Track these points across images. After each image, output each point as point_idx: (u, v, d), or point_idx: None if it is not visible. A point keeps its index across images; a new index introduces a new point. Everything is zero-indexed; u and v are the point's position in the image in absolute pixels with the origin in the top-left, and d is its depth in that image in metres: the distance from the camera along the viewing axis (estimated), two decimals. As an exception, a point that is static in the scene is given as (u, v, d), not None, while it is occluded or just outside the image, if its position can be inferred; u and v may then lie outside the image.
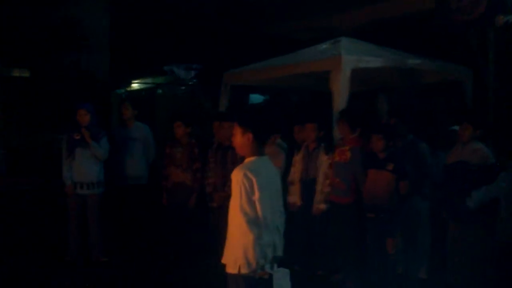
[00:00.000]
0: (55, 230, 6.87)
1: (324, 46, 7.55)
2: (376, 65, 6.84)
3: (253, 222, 3.30)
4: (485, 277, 4.91)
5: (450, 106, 7.64)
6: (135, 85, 13.39)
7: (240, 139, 3.47)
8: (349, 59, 6.51)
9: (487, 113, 7.17)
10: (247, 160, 3.48)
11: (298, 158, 5.94)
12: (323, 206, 5.64)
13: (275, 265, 3.41)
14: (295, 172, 5.90)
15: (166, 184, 6.39)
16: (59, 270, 6.09)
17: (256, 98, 12.53)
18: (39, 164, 9.61)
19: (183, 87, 12.70)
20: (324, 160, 5.65)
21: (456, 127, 5.35)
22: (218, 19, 13.36)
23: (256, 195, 3.31)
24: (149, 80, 13.44)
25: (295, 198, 5.85)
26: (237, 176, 3.37)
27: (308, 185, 5.75)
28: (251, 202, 3.32)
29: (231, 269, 3.40)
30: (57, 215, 6.81)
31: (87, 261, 6.30)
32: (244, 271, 3.32)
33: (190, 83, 12.67)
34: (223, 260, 3.47)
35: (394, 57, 7.15)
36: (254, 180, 3.30)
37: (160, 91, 12.71)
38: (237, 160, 5.95)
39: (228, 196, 5.88)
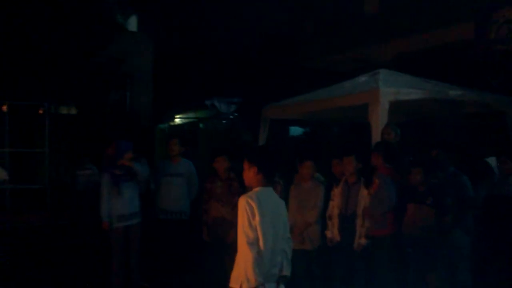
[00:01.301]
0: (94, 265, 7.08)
1: (363, 78, 7.57)
2: (415, 97, 6.79)
3: (252, 244, 3.68)
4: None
5: (492, 137, 7.48)
6: (177, 120, 13.66)
7: (247, 172, 3.90)
8: (387, 92, 6.51)
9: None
10: (253, 190, 3.87)
11: (337, 192, 5.90)
12: (364, 241, 5.57)
13: (282, 285, 3.87)
14: (334, 207, 5.85)
15: (207, 219, 6.46)
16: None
17: (296, 130, 12.59)
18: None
19: (224, 121, 12.87)
20: (364, 195, 5.60)
21: (491, 159, 5.25)
22: (258, 54, 13.60)
23: (256, 219, 3.70)
24: (191, 114, 13.69)
25: (333, 233, 5.81)
26: (241, 203, 3.78)
27: (347, 220, 5.70)
28: (251, 226, 3.70)
29: (234, 284, 3.74)
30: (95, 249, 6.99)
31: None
32: (244, 287, 3.65)
33: (231, 116, 12.84)
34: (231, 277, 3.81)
35: (433, 89, 7.08)
36: (254, 205, 3.71)
37: (202, 125, 12.90)
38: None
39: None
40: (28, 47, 11.99)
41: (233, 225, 6.30)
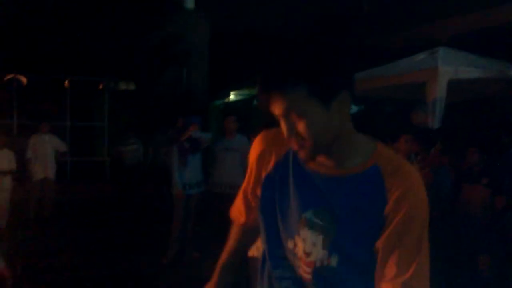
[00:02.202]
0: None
1: (421, 56, 7.46)
2: (475, 75, 6.69)
3: None
4: None
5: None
6: (232, 97, 13.81)
7: None
8: (446, 70, 6.42)
9: None
10: None
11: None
12: None
13: None
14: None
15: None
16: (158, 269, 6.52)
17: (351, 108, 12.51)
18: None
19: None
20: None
21: None
22: (315, 31, 13.53)
23: None
24: (245, 91, 13.81)
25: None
26: None
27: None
28: None
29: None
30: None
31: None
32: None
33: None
34: None
35: (493, 67, 6.95)
36: None
37: (255, 102, 13.01)
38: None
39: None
40: (87, 23, 12.35)
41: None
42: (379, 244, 1.52)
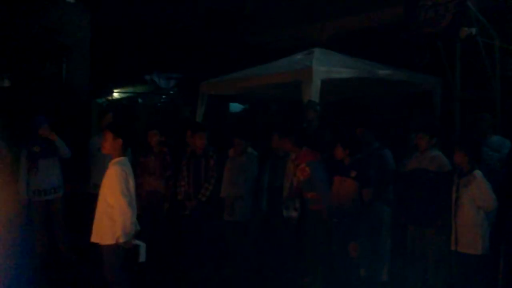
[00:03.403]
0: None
1: (298, 56, 7.76)
2: (347, 75, 7.05)
3: (131, 203, 4.42)
4: (443, 278, 5.12)
5: (419, 114, 7.85)
6: (116, 94, 13.49)
7: (111, 142, 4.52)
8: (320, 70, 6.72)
9: (454, 121, 7.40)
10: (118, 159, 4.52)
11: (267, 166, 6.11)
12: (295, 214, 5.80)
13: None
14: (264, 180, 6.08)
15: (140, 193, 6.49)
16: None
17: (235, 107, 12.70)
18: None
19: (164, 96, 12.82)
20: (291, 170, 5.81)
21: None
22: (198, 29, 13.54)
23: (130, 184, 4.48)
24: (130, 89, 13.55)
25: (262, 204, 6.05)
26: (117, 170, 4.44)
27: (276, 192, 5.90)
28: (128, 189, 4.44)
29: (108, 241, 4.41)
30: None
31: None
32: (122, 240, 4.34)
33: (170, 92, 12.80)
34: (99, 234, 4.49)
35: (364, 68, 7.36)
36: (128, 172, 4.50)
37: (140, 100, 12.82)
38: (210, 168, 6.15)
39: (199, 204, 6.11)
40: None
41: (166, 198, 6.45)
42: None
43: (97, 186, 6.90)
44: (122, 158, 4.56)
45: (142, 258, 4.54)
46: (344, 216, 5.23)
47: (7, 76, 12.78)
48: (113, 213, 4.42)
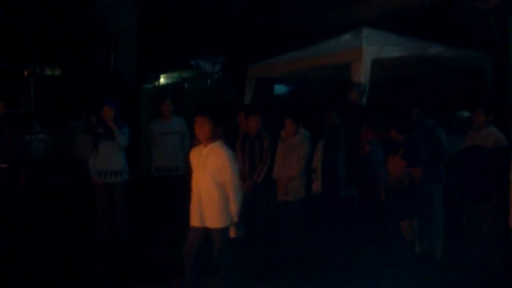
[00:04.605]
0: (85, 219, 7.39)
1: (346, 37, 7.70)
2: (397, 54, 6.98)
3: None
4: (500, 255, 5.09)
5: (471, 92, 7.73)
6: (162, 80, 13.70)
7: (211, 128, 4.51)
8: (370, 50, 6.68)
9: (507, 98, 7.26)
10: (220, 141, 4.58)
11: (320, 146, 6.12)
12: (351, 193, 5.84)
13: None
14: (317, 160, 6.10)
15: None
16: (87, 254, 6.54)
17: (281, 89, 12.72)
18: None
19: (209, 81, 12.95)
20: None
21: (464, 113, 5.52)
22: (242, 12, 13.57)
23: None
24: (175, 74, 13.72)
25: (316, 184, 6.07)
26: (229, 152, 4.56)
27: (330, 172, 5.93)
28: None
29: (223, 224, 4.51)
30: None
31: (114, 245, 6.73)
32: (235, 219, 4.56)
33: (216, 76, 12.92)
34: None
35: (415, 46, 7.26)
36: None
37: (186, 85, 12.97)
38: (264, 150, 6.25)
39: (255, 185, 6.22)
40: (11, 9, 11.87)
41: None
42: None
43: (158, 169, 7.27)
44: (221, 140, 4.60)
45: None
46: (395, 195, 5.26)
47: (58, 65, 13.16)
48: (226, 194, 4.49)
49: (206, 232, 4.52)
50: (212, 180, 4.45)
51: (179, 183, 7.01)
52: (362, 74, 6.52)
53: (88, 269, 6.00)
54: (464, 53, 7.55)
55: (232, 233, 5.05)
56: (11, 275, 5.78)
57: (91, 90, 11.72)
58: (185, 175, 7.12)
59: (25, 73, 13.11)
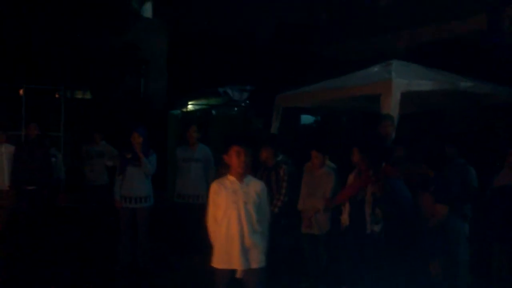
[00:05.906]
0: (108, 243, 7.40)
1: (375, 69, 7.66)
2: (427, 88, 6.90)
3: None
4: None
5: (504, 129, 7.58)
6: (190, 106, 13.81)
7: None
8: (400, 83, 6.61)
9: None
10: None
11: (350, 179, 6.02)
12: (377, 228, 5.70)
13: None
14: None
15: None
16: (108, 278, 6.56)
17: (307, 119, 12.70)
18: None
19: (236, 109, 13.00)
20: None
21: None
22: (270, 41, 13.68)
23: None
24: (203, 101, 13.83)
25: (344, 217, 5.95)
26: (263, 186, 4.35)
27: (357, 205, 5.82)
28: None
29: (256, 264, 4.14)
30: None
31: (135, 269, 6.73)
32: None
33: (243, 104, 12.97)
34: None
35: (445, 80, 7.17)
36: None
37: (214, 112, 13.04)
38: (281, 179, 6.18)
39: (273, 216, 6.13)
40: (44, 31, 12.16)
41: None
42: None
43: (180, 196, 7.27)
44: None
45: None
46: (424, 232, 5.12)
47: (89, 88, 13.40)
48: (261, 230, 4.22)
49: (234, 274, 4.19)
50: (254, 215, 4.17)
51: (201, 211, 6.98)
52: (391, 107, 6.45)
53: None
54: (495, 88, 7.41)
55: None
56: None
57: (121, 114, 11.87)
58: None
59: (56, 95, 13.36)
